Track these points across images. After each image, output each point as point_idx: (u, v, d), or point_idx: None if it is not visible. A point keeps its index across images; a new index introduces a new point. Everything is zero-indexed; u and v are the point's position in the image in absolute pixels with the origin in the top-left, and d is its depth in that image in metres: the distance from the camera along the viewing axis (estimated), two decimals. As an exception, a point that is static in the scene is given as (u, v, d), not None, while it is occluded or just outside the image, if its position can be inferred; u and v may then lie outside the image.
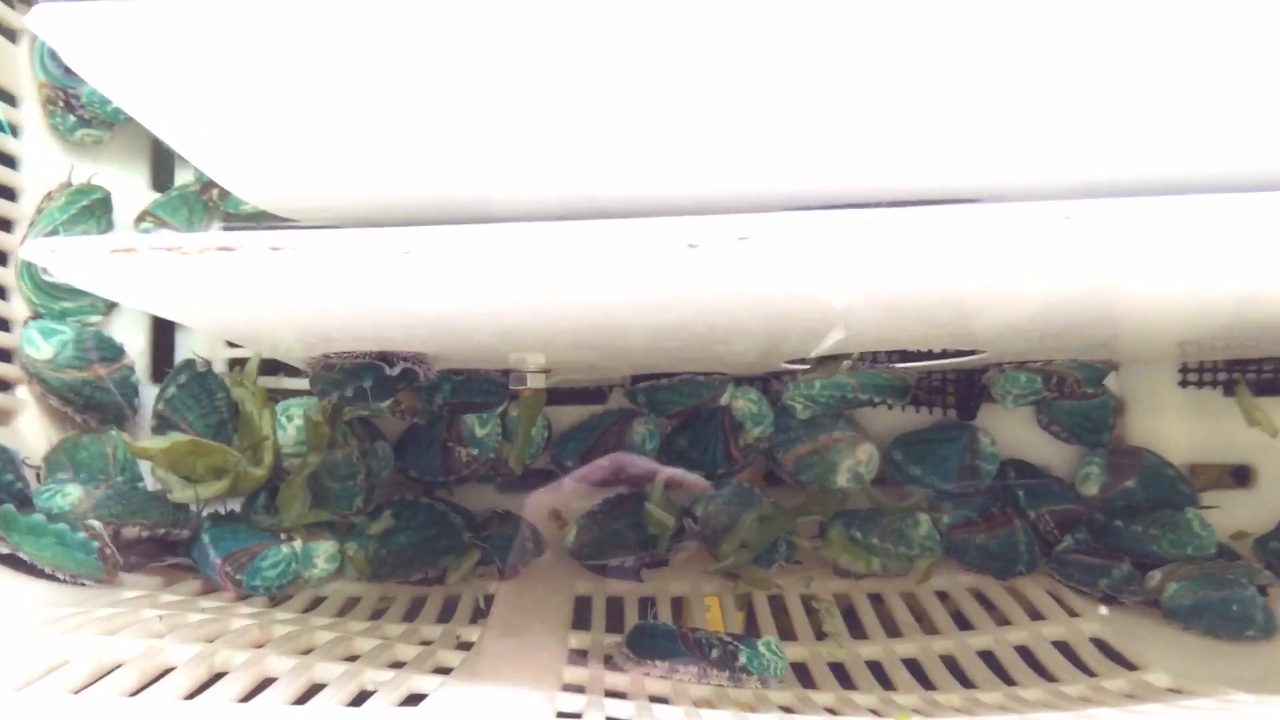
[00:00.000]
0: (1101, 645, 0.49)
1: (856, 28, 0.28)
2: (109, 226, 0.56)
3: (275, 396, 0.56)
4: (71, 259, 0.31)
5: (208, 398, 0.54)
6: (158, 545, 0.54)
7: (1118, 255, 0.33)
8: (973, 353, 0.50)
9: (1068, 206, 0.29)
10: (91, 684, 0.38)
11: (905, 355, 0.53)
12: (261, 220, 0.54)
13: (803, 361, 0.52)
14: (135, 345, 0.58)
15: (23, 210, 0.56)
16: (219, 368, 0.56)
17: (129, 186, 0.58)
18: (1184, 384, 0.61)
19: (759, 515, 0.56)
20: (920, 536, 0.56)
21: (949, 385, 0.60)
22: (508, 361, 0.52)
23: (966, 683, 0.46)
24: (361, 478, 0.55)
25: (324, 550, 0.54)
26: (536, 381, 0.55)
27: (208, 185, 0.57)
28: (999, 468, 0.58)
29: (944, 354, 0.51)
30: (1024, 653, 0.49)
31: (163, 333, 0.59)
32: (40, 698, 0.36)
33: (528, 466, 0.58)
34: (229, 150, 0.35)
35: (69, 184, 0.56)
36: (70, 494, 0.51)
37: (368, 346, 0.44)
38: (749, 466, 0.59)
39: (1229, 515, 0.57)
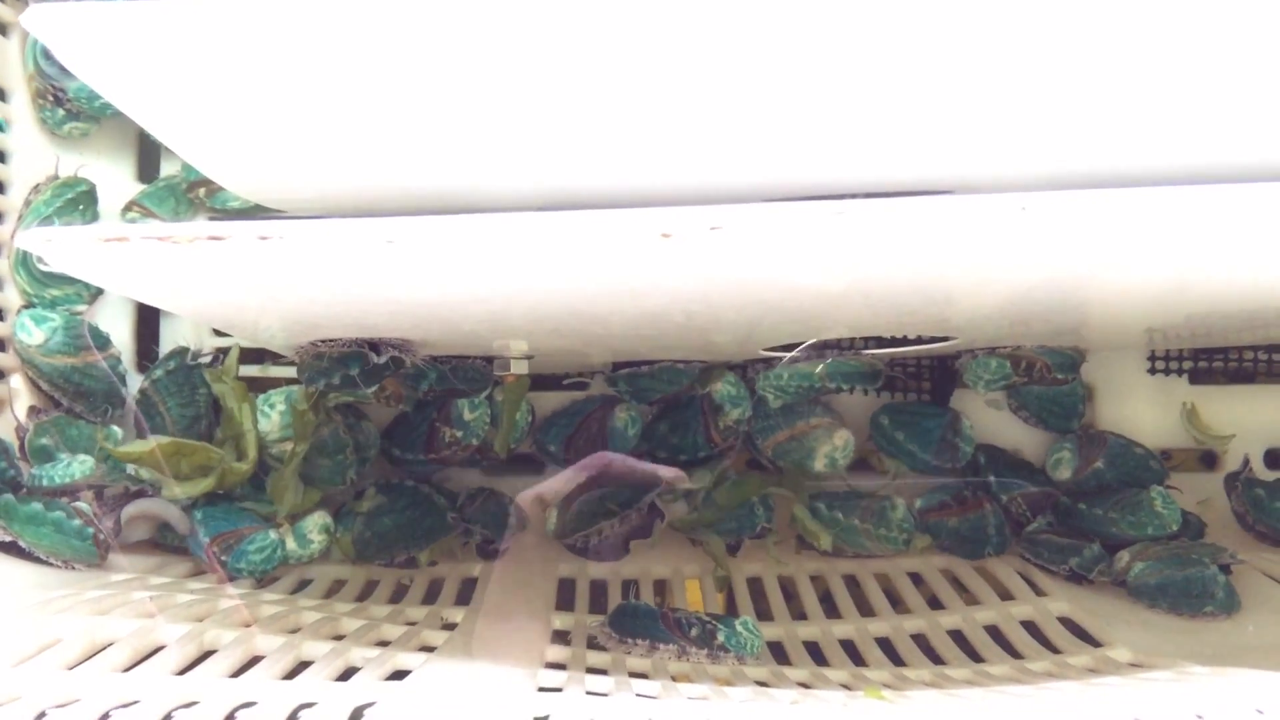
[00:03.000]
0: (1068, 624, 0.50)
1: (831, 25, 0.29)
2: (94, 218, 0.57)
3: (263, 385, 0.57)
4: (65, 247, 0.32)
5: (190, 390, 0.55)
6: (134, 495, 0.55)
7: (1075, 245, 0.34)
8: (945, 339, 0.51)
9: (1024, 198, 0.30)
10: (84, 661, 0.39)
11: (879, 342, 0.54)
12: (249, 216, 0.54)
13: (783, 349, 0.54)
14: (119, 334, 0.58)
15: (11, 203, 0.56)
16: (209, 359, 0.57)
17: (115, 179, 0.59)
18: (1152, 371, 0.62)
19: (729, 480, 0.57)
20: (898, 519, 0.57)
21: (924, 371, 0.61)
22: (492, 348, 0.54)
23: (936, 660, 0.48)
24: (351, 450, 0.56)
25: (316, 523, 0.55)
26: (520, 367, 0.56)
27: (194, 184, 0.58)
28: (974, 450, 0.59)
29: (917, 340, 0.52)
30: (993, 632, 0.50)
31: (146, 322, 0.60)
32: (34, 674, 0.37)
33: (512, 451, 0.59)
34: (218, 144, 0.36)
35: (55, 176, 0.57)
36: (86, 461, 0.52)
37: (354, 333, 0.45)
38: (730, 450, 0.60)
39: (1196, 498, 0.59)
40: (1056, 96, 0.32)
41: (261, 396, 0.55)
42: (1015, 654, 0.48)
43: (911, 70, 0.31)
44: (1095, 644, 0.48)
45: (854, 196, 0.33)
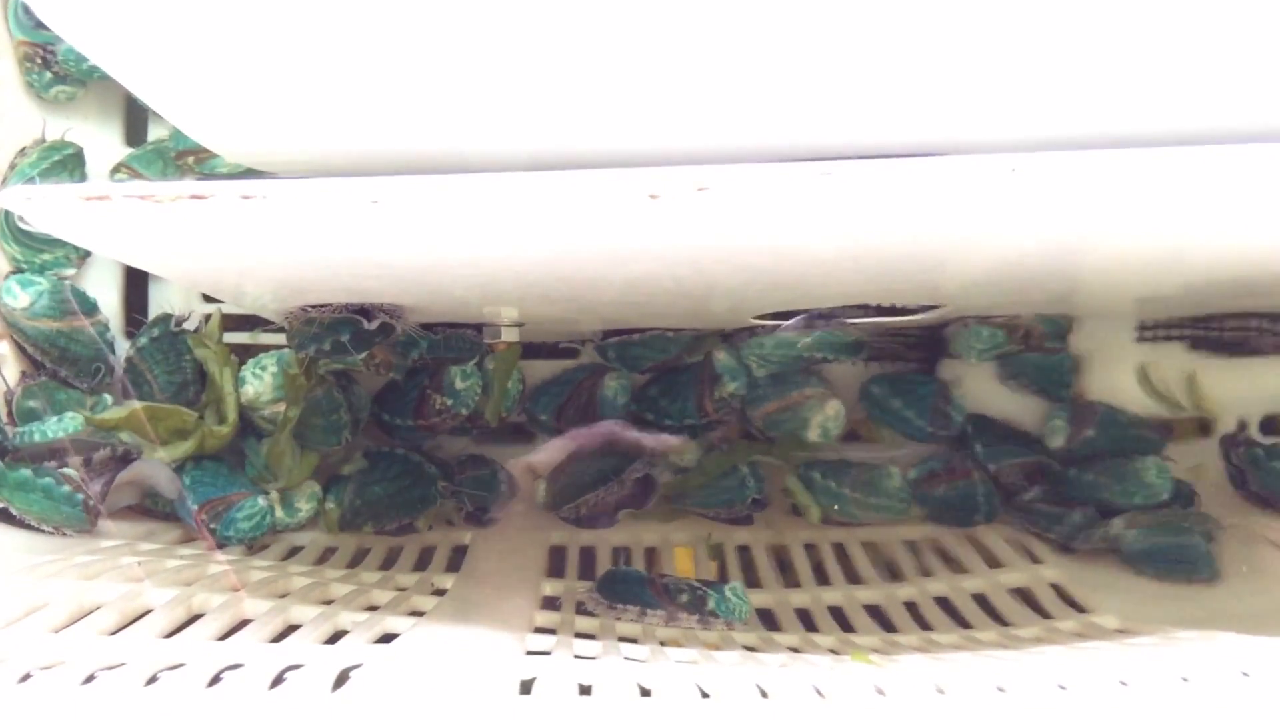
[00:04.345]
0: (1056, 590, 0.50)
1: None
2: (81, 181, 0.57)
3: (253, 352, 0.57)
4: (47, 206, 0.31)
5: (176, 356, 0.55)
6: (122, 461, 0.55)
7: (1066, 208, 0.34)
8: (934, 307, 0.51)
9: (1014, 159, 0.30)
10: (71, 624, 0.39)
11: (870, 310, 0.54)
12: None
13: (773, 318, 0.54)
14: (107, 300, 0.58)
15: (-4, 167, 0.56)
16: (193, 324, 0.57)
17: (102, 143, 0.58)
18: (1142, 340, 0.62)
19: (716, 449, 0.58)
20: (892, 488, 0.57)
21: (914, 340, 0.61)
22: (482, 315, 0.53)
23: (925, 626, 0.48)
24: (345, 410, 0.55)
25: (304, 490, 0.55)
26: (510, 335, 0.56)
27: (183, 152, 0.57)
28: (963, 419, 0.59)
29: (909, 309, 0.52)
30: (981, 599, 0.50)
31: (135, 288, 0.60)
32: (20, 637, 0.37)
33: (503, 419, 0.59)
34: (202, 103, 0.35)
35: (42, 140, 0.56)
36: (75, 418, 0.52)
37: (343, 298, 0.45)
38: (722, 423, 0.60)
39: (1188, 465, 0.59)
40: (1050, 57, 0.32)
41: (252, 360, 0.54)
42: (1003, 620, 0.48)
43: (903, 29, 0.31)
44: (1083, 610, 0.48)
45: (845, 159, 0.33)
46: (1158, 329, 0.62)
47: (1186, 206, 0.35)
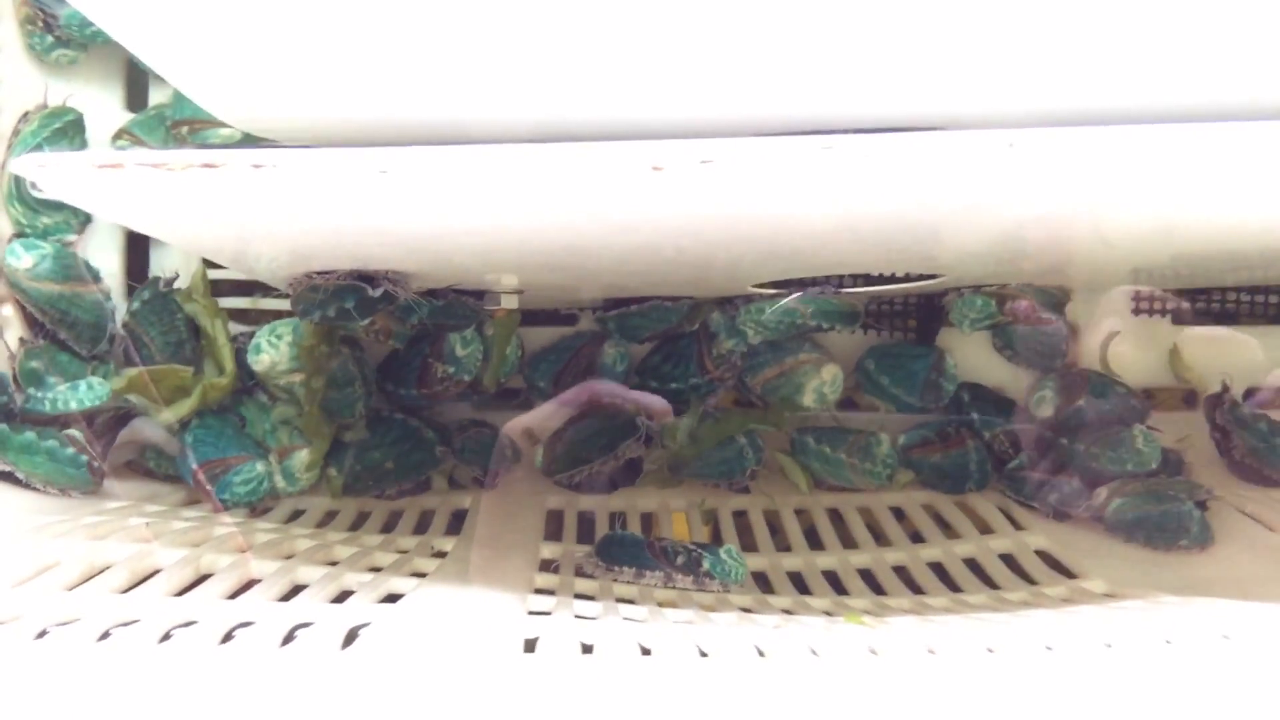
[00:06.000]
0: (1045, 557, 0.51)
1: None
2: (83, 147, 0.57)
3: (254, 318, 0.57)
4: (60, 174, 0.32)
5: (169, 317, 0.55)
6: (122, 421, 0.56)
7: (1062, 183, 0.35)
8: (932, 276, 0.52)
9: (1012, 134, 0.31)
10: (83, 583, 0.40)
11: (867, 279, 0.55)
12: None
13: (772, 286, 0.54)
14: (109, 267, 0.58)
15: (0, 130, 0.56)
16: (182, 284, 0.57)
17: (103, 108, 0.59)
18: (1136, 312, 0.63)
19: (712, 417, 0.59)
20: (883, 454, 0.58)
21: (910, 309, 0.62)
22: (483, 281, 0.54)
23: (916, 590, 0.49)
24: (360, 383, 0.56)
25: (300, 461, 0.55)
26: (510, 302, 0.56)
27: (179, 123, 0.57)
28: (956, 388, 0.60)
29: (905, 278, 0.52)
30: (972, 564, 0.51)
31: (136, 254, 0.60)
32: (35, 594, 0.38)
33: (502, 385, 0.60)
34: (208, 68, 0.36)
35: (44, 105, 0.56)
36: (106, 386, 0.53)
37: (348, 265, 0.46)
38: (723, 383, 0.60)
39: (1176, 436, 0.60)
40: (1048, 33, 0.32)
41: (267, 327, 0.55)
42: (993, 585, 0.49)
43: (904, 3, 0.31)
44: (1071, 576, 0.49)
45: (846, 133, 0.33)
46: (1153, 301, 0.62)
47: (1179, 182, 0.35)
